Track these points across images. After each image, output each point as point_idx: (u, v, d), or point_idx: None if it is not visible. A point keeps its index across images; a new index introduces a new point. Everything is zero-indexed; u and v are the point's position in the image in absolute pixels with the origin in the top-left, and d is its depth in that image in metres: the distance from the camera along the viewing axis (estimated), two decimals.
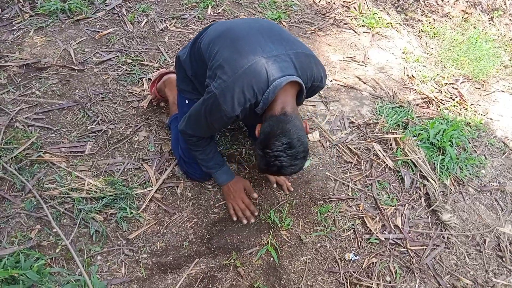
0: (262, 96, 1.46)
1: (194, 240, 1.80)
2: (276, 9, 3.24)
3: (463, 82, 2.98)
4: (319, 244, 1.87)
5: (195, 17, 2.97)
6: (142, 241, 1.76)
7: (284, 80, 1.43)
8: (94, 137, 2.07)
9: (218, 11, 3.07)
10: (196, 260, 1.74)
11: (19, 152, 1.91)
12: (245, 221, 1.86)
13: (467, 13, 3.64)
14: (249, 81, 1.42)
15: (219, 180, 1.86)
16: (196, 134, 1.68)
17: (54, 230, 1.69)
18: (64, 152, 1.98)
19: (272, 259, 1.79)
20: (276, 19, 3.14)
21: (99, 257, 1.68)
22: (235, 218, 1.87)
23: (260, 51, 1.46)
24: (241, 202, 1.87)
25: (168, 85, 2.15)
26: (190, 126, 1.66)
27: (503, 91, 3.00)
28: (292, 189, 2.04)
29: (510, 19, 3.62)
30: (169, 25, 2.84)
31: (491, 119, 2.76)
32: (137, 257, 1.70)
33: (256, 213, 1.89)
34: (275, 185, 2.03)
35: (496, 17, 3.63)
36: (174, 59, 2.53)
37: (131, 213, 1.81)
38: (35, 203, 1.77)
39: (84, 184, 1.87)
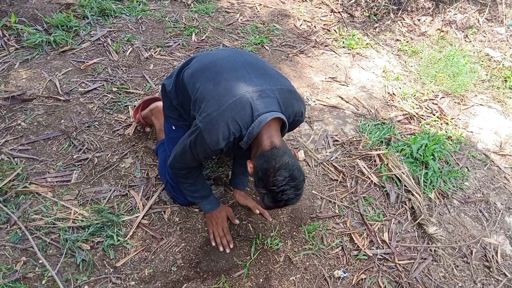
0: (247, 130, 1.48)
1: (182, 264, 1.80)
2: (258, 34, 3.34)
3: (443, 97, 3.07)
4: (308, 263, 1.88)
5: (179, 44, 3.03)
6: (129, 268, 1.75)
7: (269, 116, 1.45)
8: (80, 166, 2.08)
9: (202, 38, 3.14)
10: (185, 285, 1.73)
11: (4, 184, 1.90)
12: (221, 248, 1.87)
13: (443, 31, 3.78)
14: (234, 115, 1.44)
15: (205, 209, 1.88)
16: (185, 166, 1.70)
17: (40, 261, 1.67)
18: (50, 182, 1.98)
19: (261, 280, 1.78)
20: (259, 43, 3.22)
21: (86, 287, 1.66)
22: (213, 244, 1.88)
23: (245, 86, 1.48)
24: (221, 230, 1.89)
25: (155, 114, 2.18)
26: (178, 160, 1.68)
27: (481, 105, 3.09)
28: (271, 218, 2.02)
29: (484, 36, 3.77)
30: (154, 53, 2.90)
31: (471, 132, 2.83)
32: (125, 285, 1.69)
33: (231, 245, 1.89)
34: (257, 211, 1.99)
35: (471, 34, 3.77)
36: (160, 86, 2.59)
37: (118, 240, 1.81)
38: (20, 234, 1.75)
39: (70, 213, 1.86)
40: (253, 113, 1.45)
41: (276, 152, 1.43)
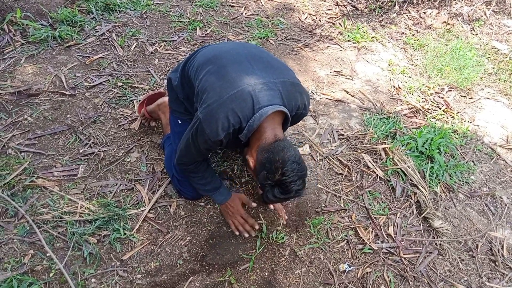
0: (247, 122, 1.48)
1: (188, 258, 1.81)
2: (263, 28, 3.32)
3: (449, 91, 3.04)
4: (313, 257, 1.88)
5: (184, 39, 3.03)
6: (136, 261, 1.76)
7: (270, 109, 1.45)
8: (86, 160, 2.09)
9: (206, 32, 3.14)
10: (191, 278, 1.74)
11: (11, 178, 1.92)
12: (246, 235, 1.89)
13: (449, 24, 3.74)
14: (234, 107, 1.44)
15: (217, 200, 1.88)
16: (190, 160, 1.71)
17: (48, 254, 1.69)
18: (56, 176, 1.99)
19: (266, 273, 1.79)
20: (264, 37, 3.21)
21: (93, 280, 1.67)
22: (237, 233, 1.89)
23: (248, 79, 1.48)
24: (240, 217, 1.90)
25: (162, 109, 2.18)
26: (183, 155, 1.69)
27: (488, 98, 3.06)
28: (287, 217, 2.01)
29: (491, 29, 3.72)
30: (159, 47, 2.90)
31: (477, 125, 2.81)
32: (131, 278, 1.70)
33: (257, 227, 1.90)
34: (272, 207, 2.00)
35: (478, 27, 3.73)
36: (165, 81, 2.59)
37: (125, 234, 1.82)
38: (28, 228, 1.77)
39: (77, 207, 1.88)
40: (254, 106, 1.45)
41: (281, 144, 1.44)
